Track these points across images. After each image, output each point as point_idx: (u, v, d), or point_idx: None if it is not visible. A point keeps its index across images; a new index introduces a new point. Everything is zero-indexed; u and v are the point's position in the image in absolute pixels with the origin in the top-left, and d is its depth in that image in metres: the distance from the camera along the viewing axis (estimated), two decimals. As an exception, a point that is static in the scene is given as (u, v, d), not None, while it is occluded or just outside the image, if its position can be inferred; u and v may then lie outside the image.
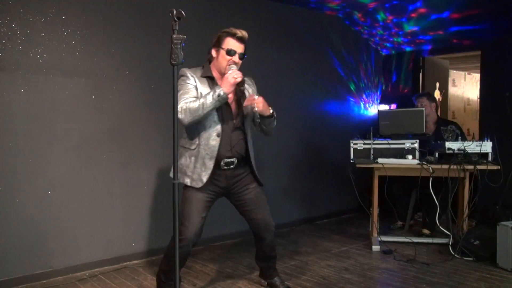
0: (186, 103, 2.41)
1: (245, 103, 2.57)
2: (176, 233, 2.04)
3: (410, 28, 5.10)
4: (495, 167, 3.57)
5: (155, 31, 3.67)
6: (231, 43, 2.50)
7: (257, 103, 2.50)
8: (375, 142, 3.92)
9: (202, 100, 2.39)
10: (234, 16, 4.29)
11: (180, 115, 2.38)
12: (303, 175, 4.99)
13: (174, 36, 1.93)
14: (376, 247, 3.91)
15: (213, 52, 2.57)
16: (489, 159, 3.64)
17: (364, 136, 4.04)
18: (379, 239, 4.00)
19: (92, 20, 3.40)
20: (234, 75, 2.41)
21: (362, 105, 5.69)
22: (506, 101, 4.53)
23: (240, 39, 2.51)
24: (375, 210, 3.98)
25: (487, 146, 3.64)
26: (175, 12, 1.90)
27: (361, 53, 5.64)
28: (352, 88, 5.54)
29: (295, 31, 4.85)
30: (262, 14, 4.54)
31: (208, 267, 3.49)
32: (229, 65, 2.50)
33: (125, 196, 3.62)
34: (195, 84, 2.51)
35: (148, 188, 3.74)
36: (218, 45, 2.53)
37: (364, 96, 5.72)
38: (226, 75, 2.43)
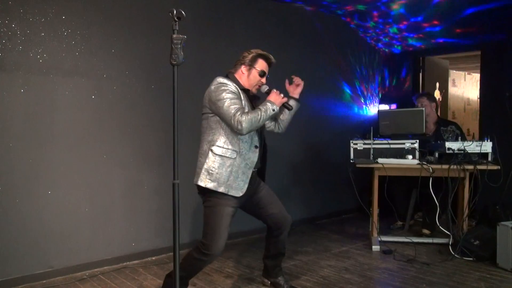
0: (244, 113, 2.44)
1: (295, 83, 2.81)
2: (177, 233, 2.04)
3: (410, 35, 5.12)
4: (495, 167, 3.57)
5: (155, 31, 3.67)
6: (264, 65, 2.67)
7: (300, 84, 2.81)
8: (375, 142, 3.92)
9: (261, 113, 2.48)
10: (234, 16, 4.29)
11: (241, 125, 2.41)
12: (303, 175, 4.99)
13: (174, 36, 1.94)
14: (376, 247, 3.91)
15: (244, 69, 2.66)
16: (489, 159, 3.64)
17: (364, 136, 4.04)
18: (379, 239, 4.00)
19: (92, 20, 3.40)
20: (280, 93, 2.60)
21: (362, 105, 5.69)
22: (506, 101, 4.53)
23: (271, 64, 2.71)
24: (375, 210, 3.98)
25: (487, 146, 3.64)
26: (175, 12, 1.90)
27: (361, 53, 5.64)
28: (352, 88, 5.54)
29: (295, 31, 4.85)
30: (262, 13, 4.54)
31: (208, 267, 3.48)
32: (260, 85, 2.68)
33: (125, 196, 3.62)
34: (238, 93, 2.55)
35: (148, 188, 3.74)
36: (251, 64, 2.65)
37: (364, 96, 5.72)
38: (274, 93, 2.59)
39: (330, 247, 4.05)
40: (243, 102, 2.55)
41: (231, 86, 2.52)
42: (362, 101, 5.69)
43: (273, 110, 2.52)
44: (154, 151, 3.76)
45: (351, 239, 4.31)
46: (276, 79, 2.84)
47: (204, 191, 2.56)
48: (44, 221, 3.22)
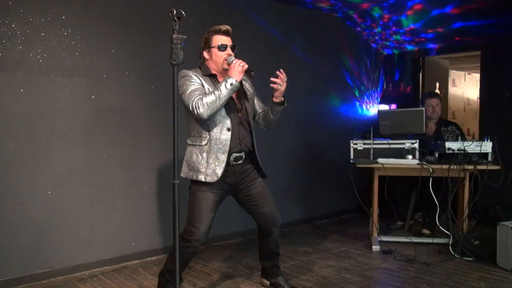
0: (200, 98, 2.42)
1: (276, 81, 2.58)
2: (176, 233, 2.04)
3: (410, 26, 5.09)
4: (495, 167, 3.57)
5: (155, 31, 3.67)
6: (219, 39, 2.57)
7: (283, 84, 2.59)
8: (375, 142, 3.92)
9: (216, 92, 2.41)
10: (234, 16, 4.29)
11: (199, 110, 2.39)
12: (303, 175, 4.99)
13: (174, 36, 1.94)
14: (376, 247, 3.90)
15: (205, 54, 2.62)
16: (489, 159, 3.64)
17: (364, 136, 4.04)
18: (379, 239, 3.99)
19: (92, 20, 3.40)
20: (240, 63, 2.46)
21: (362, 105, 5.69)
22: (506, 101, 4.53)
23: (226, 33, 2.59)
24: (375, 210, 3.98)
25: (487, 146, 3.63)
26: (175, 12, 1.91)
27: (361, 53, 5.63)
28: (352, 88, 5.53)
29: (295, 31, 4.84)
30: (262, 14, 4.54)
31: (208, 267, 3.49)
32: (226, 59, 2.55)
33: (125, 196, 3.62)
34: (200, 81, 2.53)
35: (148, 188, 3.74)
36: (207, 46, 2.60)
37: (364, 96, 5.72)
38: (232, 65, 2.47)
39: (330, 247, 4.05)
40: (206, 88, 2.52)
41: (191, 76, 2.51)
42: (362, 101, 5.69)
43: (231, 84, 2.41)
44: (154, 151, 3.76)
45: (351, 239, 4.31)
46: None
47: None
48: (44, 221, 3.22)
